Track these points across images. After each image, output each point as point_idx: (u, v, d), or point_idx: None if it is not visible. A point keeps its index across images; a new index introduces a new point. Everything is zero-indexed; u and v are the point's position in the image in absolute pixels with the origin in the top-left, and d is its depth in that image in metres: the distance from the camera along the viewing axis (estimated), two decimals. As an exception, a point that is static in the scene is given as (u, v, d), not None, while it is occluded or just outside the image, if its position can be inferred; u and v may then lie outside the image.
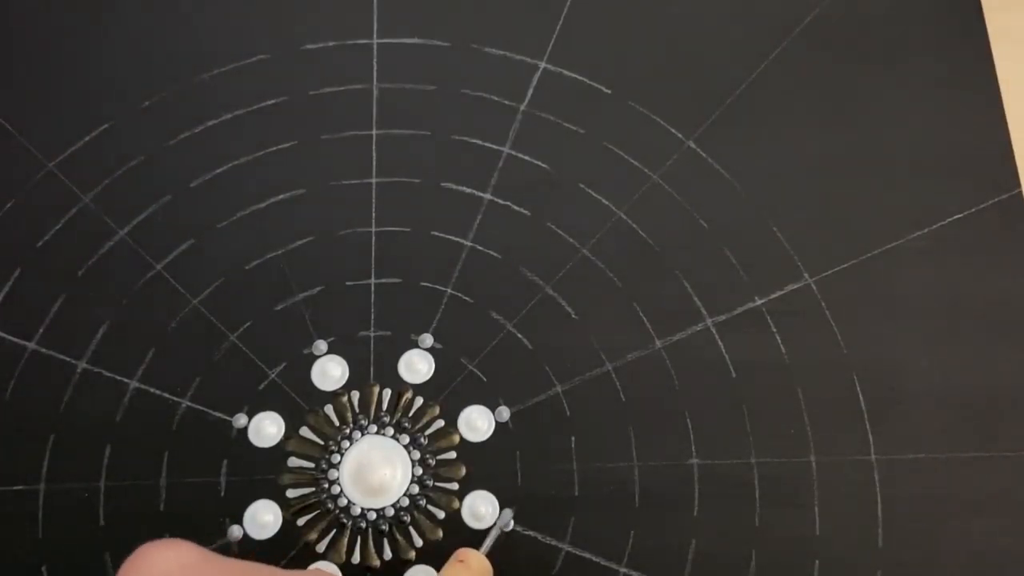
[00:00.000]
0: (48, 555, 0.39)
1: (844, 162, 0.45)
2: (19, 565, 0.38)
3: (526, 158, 0.45)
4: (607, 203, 0.45)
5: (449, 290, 0.43)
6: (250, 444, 0.41)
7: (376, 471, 0.40)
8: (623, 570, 0.39)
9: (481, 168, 0.45)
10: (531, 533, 0.39)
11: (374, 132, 0.46)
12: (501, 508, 0.40)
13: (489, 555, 0.36)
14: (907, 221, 0.44)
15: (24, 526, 0.39)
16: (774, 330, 0.42)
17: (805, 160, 0.45)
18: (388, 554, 0.39)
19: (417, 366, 0.42)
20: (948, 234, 0.44)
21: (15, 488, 0.39)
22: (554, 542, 0.39)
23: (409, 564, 0.39)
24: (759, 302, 0.43)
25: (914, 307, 0.43)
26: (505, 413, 0.41)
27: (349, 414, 0.41)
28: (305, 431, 0.41)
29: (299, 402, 0.41)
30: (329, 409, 0.41)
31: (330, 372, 0.42)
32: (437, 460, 0.41)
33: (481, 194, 0.45)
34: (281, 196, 0.45)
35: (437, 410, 0.41)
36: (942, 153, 0.46)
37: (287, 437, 0.41)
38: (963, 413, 0.41)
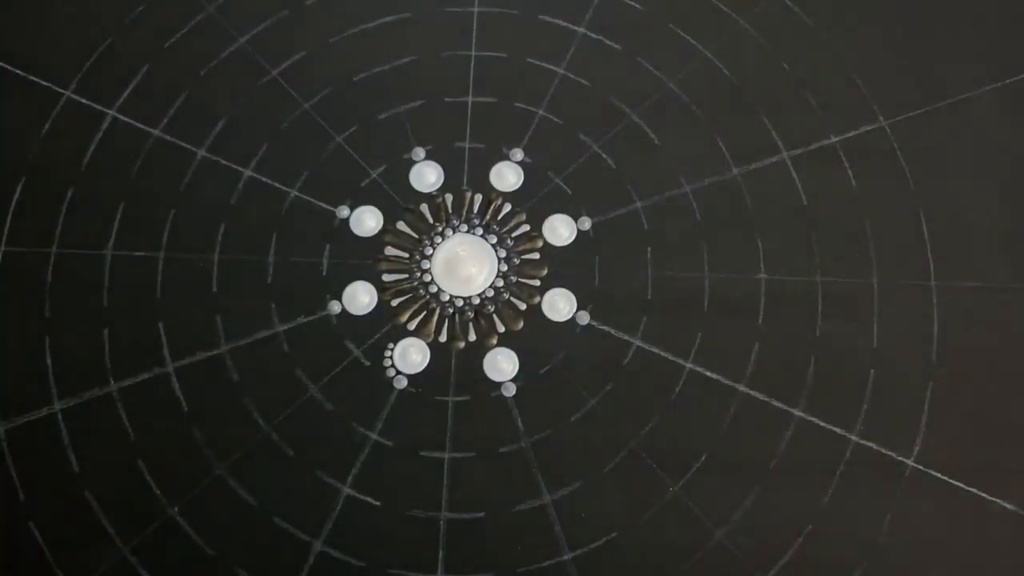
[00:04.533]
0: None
1: (924, 13, 0.47)
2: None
3: (620, -3, 0.48)
4: (695, 43, 0.47)
5: (541, 111, 0.46)
6: (351, 233, 0.44)
7: (465, 264, 0.43)
8: (689, 365, 0.42)
9: (577, 3, 0.48)
10: (605, 328, 0.42)
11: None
12: (578, 307, 0.43)
13: None
14: (981, 74, 0.46)
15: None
16: (846, 165, 0.45)
17: (887, 9, 0.47)
18: (472, 336, 0.42)
19: (507, 177, 0.45)
20: (1019, 89, 0.46)
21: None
22: (626, 337, 0.42)
23: (490, 348, 0.42)
24: (834, 139, 0.45)
25: (983, 154, 0.45)
26: (587, 223, 0.44)
27: (443, 213, 0.44)
28: (402, 225, 0.44)
29: (397, 200, 0.45)
30: (425, 208, 0.45)
31: (426, 176, 0.45)
32: (522, 259, 0.44)
33: (575, 27, 0.48)
34: (388, 18, 0.48)
35: (524, 216, 0.44)
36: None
37: (385, 231, 0.44)
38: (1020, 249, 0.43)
